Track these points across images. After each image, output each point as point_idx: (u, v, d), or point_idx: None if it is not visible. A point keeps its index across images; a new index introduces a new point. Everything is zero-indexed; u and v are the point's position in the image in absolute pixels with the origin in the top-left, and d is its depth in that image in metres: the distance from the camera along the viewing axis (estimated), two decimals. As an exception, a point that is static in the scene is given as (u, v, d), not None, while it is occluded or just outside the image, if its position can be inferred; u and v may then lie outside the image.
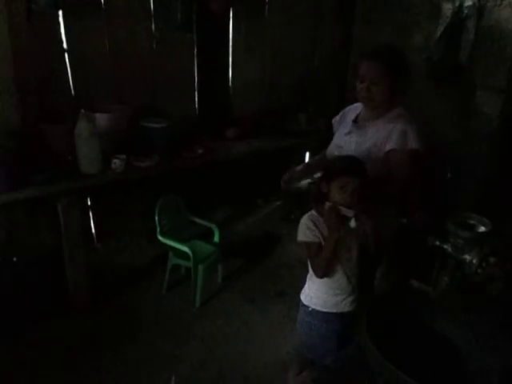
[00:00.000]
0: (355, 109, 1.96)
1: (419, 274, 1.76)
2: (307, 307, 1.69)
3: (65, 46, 2.53)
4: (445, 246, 1.51)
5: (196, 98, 3.21)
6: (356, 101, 1.95)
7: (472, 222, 1.47)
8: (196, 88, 3.19)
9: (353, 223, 1.57)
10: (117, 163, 2.44)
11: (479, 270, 1.38)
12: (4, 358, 2.18)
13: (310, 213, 1.65)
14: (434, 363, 1.14)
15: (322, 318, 1.66)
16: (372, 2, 3.48)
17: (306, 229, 1.61)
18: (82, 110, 2.33)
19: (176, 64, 3.01)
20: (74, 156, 2.37)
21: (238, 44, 3.24)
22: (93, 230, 3.06)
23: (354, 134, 1.87)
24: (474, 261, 1.39)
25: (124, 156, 2.48)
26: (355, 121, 1.91)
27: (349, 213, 1.55)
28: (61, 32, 2.49)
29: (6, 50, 2.25)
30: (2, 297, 2.45)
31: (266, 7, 3.30)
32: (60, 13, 2.43)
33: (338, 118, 2.07)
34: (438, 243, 1.53)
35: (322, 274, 1.61)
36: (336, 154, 1.87)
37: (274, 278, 2.93)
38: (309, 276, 1.71)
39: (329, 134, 3.35)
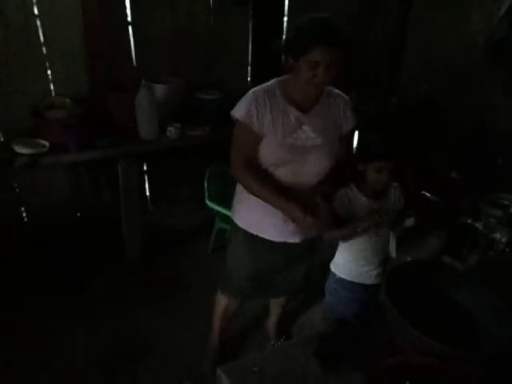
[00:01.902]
0: (271, 96, 1.60)
1: (451, 250, 1.83)
2: (334, 274, 1.79)
3: (129, 20, 2.71)
4: (476, 225, 1.56)
5: (249, 72, 3.33)
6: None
7: (505, 202, 1.51)
8: (249, 62, 3.31)
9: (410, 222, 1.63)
10: (172, 131, 2.63)
11: (507, 249, 1.44)
12: (63, 307, 2.45)
13: (348, 186, 1.71)
14: (448, 328, 1.22)
15: (346, 286, 1.75)
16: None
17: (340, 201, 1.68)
18: (143, 81, 2.51)
19: (231, 38, 3.12)
20: (134, 123, 2.56)
21: (293, 19, 3.28)
22: (147, 194, 3.31)
23: (306, 124, 1.62)
24: (504, 240, 1.45)
25: (179, 125, 2.65)
26: (302, 110, 1.62)
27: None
28: (126, 7, 2.67)
29: (78, 23, 2.47)
30: (65, 249, 2.75)
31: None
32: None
33: (251, 115, 1.58)
34: (470, 221, 1.59)
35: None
36: (289, 154, 1.62)
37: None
38: (339, 244, 1.79)
39: (380, 114, 3.41)
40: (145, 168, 3.19)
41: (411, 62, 3.70)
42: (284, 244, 1.77)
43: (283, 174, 1.64)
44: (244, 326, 2.42)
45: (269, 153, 1.60)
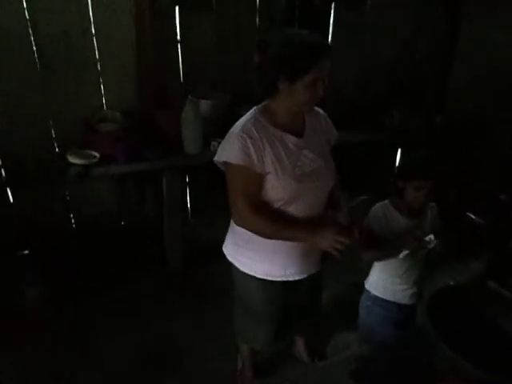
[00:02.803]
0: (260, 129, 1.45)
1: (496, 275, 1.77)
2: (369, 292, 1.78)
3: (178, 38, 2.82)
4: (525, 250, 1.50)
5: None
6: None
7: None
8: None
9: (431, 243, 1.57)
10: (215, 146, 2.68)
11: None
12: (104, 311, 2.55)
13: (384, 203, 1.71)
14: (492, 355, 1.18)
15: (380, 305, 1.74)
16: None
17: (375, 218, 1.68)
18: (189, 97, 2.60)
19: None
20: (179, 137, 2.64)
21: (338, 37, 3.30)
22: (188, 206, 3.39)
23: (305, 149, 1.51)
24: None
25: (221, 140, 2.71)
26: (296, 135, 1.51)
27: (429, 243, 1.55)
28: (176, 25, 2.78)
29: (131, 42, 2.60)
30: (110, 256, 2.86)
31: (369, 2, 3.32)
32: (177, 8, 2.72)
33: (250, 155, 1.42)
34: (518, 247, 1.53)
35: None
36: (301, 184, 1.49)
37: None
38: (374, 263, 1.78)
39: (424, 133, 3.35)
40: (187, 180, 3.27)
41: (459, 78, 3.62)
42: (304, 278, 1.68)
43: (299, 208, 1.51)
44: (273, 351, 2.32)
45: (282, 189, 1.46)
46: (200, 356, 2.29)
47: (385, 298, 1.74)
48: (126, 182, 3.02)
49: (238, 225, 1.52)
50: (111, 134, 2.51)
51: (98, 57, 2.62)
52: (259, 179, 1.44)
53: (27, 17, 2.37)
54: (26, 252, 2.79)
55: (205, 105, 2.73)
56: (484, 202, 3.06)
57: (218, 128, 2.81)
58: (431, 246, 1.53)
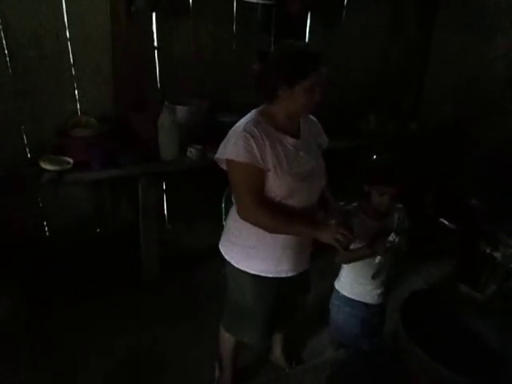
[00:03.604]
0: (262, 129, 1.54)
1: (467, 278, 1.81)
2: (338, 292, 1.85)
3: (155, 44, 2.81)
4: (495, 255, 1.55)
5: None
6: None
7: (524, 232, 1.50)
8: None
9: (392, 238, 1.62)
10: (192, 152, 2.68)
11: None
12: (78, 320, 2.48)
13: (353, 205, 1.78)
14: (465, 358, 1.20)
15: (347, 304, 1.81)
16: (455, 6, 3.41)
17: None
18: (166, 102, 2.58)
19: (253, 62, 3.18)
20: (155, 143, 2.62)
21: (313, 44, 3.35)
22: (165, 212, 3.36)
23: (300, 149, 1.62)
24: (522, 270, 1.43)
25: (199, 146, 2.71)
26: (293, 137, 1.61)
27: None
28: (153, 31, 2.77)
29: (107, 46, 2.58)
30: (83, 262, 2.80)
31: (344, 11, 3.38)
32: (153, 14, 2.71)
33: (253, 153, 1.51)
34: (488, 251, 1.57)
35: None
36: (299, 182, 1.60)
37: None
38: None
39: (397, 138, 3.43)
40: (164, 187, 3.25)
41: (433, 85, 3.72)
42: (295, 276, 1.76)
43: (296, 202, 1.61)
44: (250, 357, 2.34)
45: (280, 186, 1.56)
46: (178, 366, 2.26)
47: (353, 297, 1.80)
48: (101, 189, 2.97)
49: (244, 219, 1.58)
50: (85, 140, 2.47)
51: (72, 61, 2.58)
52: (262, 175, 1.53)
53: (-1, 20, 2.33)
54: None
55: (182, 111, 2.72)
56: (456, 208, 3.13)
57: (194, 134, 2.82)
58: (394, 244, 1.58)
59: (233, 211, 1.75)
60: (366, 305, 1.79)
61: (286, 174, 1.55)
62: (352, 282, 1.79)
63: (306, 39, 3.28)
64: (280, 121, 1.59)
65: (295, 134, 1.63)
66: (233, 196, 1.71)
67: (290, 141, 1.58)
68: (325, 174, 1.73)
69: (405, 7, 3.59)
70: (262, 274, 1.69)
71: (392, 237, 1.57)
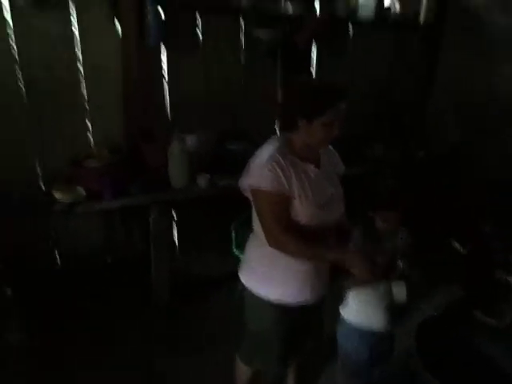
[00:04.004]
0: (287, 159, 1.58)
1: (482, 305, 1.77)
2: (343, 318, 1.85)
3: (165, 75, 2.89)
4: (509, 280, 1.52)
5: (277, 123, 3.45)
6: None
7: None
8: (276, 113, 3.42)
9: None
10: (202, 180, 2.71)
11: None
12: (89, 348, 2.48)
13: (359, 231, 1.78)
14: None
15: (355, 331, 1.80)
16: (460, 32, 3.47)
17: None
18: (176, 132, 2.63)
19: (260, 91, 3.27)
20: (165, 172, 2.66)
21: (320, 76, 3.41)
22: (175, 240, 3.37)
23: (321, 177, 1.66)
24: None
25: (208, 174, 2.74)
26: (315, 166, 1.66)
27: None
28: (162, 64, 2.86)
29: (119, 80, 2.66)
30: (94, 291, 2.81)
31: (349, 44, 3.47)
32: (163, 48, 2.80)
33: (281, 182, 1.54)
34: (502, 276, 1.55)
35: None
36: (321, 210, 1.63)
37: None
38: None
39: (404, 164, 3.44)
40: (174, 215, 3.27)
41: (439, 111, 3.75)
42: (314, 302, 1.75)
43: (316, 227, 1.62)
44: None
45: (303, 213, 1.58)
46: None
47: (360, 325, 1.78)
48: (112, 218, 3.00)
49: (273, 247, 1.59)
50: (97, 170, 2.51)
51: (85, 94, 2.66)
52: (289, 203, 1.56)
53: (16, 57, 2.42)
54: (9, 290, 2.72)
55: (191, 140, 2.76)
56: (469, 233, 3.10)
57: (204, 163, 2.86)
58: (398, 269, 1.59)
59: (252, 238, 1.78)
60: (373, 332, 1.77)
61: (310, 202, 1.58)
62: (359, 309, 1.78)
63: (313, 68, 3.35)
64: (300, 150, 1.63)
65: (316, 163, 1.66)
66: (254, 223, 1.73)
67: (312, 169, 1.62)
68: (343, 200, 1.76)
69: (410, 34, 3.66)
70: (283, 301, 1.69)
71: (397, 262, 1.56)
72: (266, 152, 1.61)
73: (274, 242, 1.58)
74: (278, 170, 1.52)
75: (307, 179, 1.60)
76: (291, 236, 1.54)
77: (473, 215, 3.20)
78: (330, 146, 1.80)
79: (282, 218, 1.55)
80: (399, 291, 1.63)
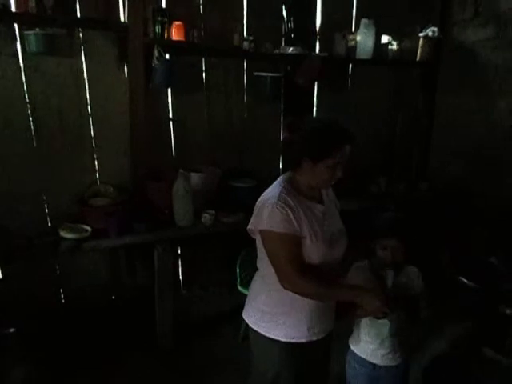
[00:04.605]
0: (294, 198, 1.60)
1: (492, 341, 1.74)
2: (349, 347, 1.87)
3: (170, 116, 2.97)
4: (515, 315, 1.51)
5: (280, 160, 3.50)
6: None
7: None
8: (281, 151, 3.49)
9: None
10: (206, 218, 2.73)
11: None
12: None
13: (364, 263, 1.82)
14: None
15: (357, 360, 1.82)
16: (456, 70, 3.57)
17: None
18: (180, 170, 2.68)
19: (263, 130, 3.34)
20: (170, 209, 2.69)
21: (322, 114, 3.49)
22: (180, 278, 3.36)
23: (326, 214, 1.68)
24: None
25: (213, 212, 2.77)
26: (319, 203, 1.69)
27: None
28: (168, 105, 2.95)
29: (126, 119, 2.74)
30: (98, 329, 2.79)
31: (349, 81, 3.57)
32: (169, 90, 2.90)
33: (292, 223, 1.55)
34: (508, 312, 1.53)
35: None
36: (329, 248, 1.64)
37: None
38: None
39: (407, 198, 3.46)
40: (179, 252, 3.27)
41: (440, 146, 3.81)
42: (323, 337, 1.73)
43: (324, 265, 1.62)
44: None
45: (313, 251, 1.58)
46: None
47: (361, 355, 1.81)
48: (117, 255, 3.01)
49: (288, 289, 1.56)
50: (103, 209, 2.55)
51: (93, 134, 2.73)
52: (300, 243, 1.56)
53: (27, 99, 2.51)
54: (12, 330, 2.71)
55: (196, 178, 2.81)
56: (476, 266, 3.08)
57: (209, 200, 2.89)
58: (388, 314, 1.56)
59: (257, 279, 1.77)
60: (373, 364, 1.78)
61: (319, 240, 1.58)
62: (359, 339, 1.81)
63: (314, 107, 3.44)
64: (304, 189, 1.65)
65: (319, 201, 1.69)
66: (260, 264, 1.72)
67: (318, 207, 1.64)
68: (346, 235, 1.77)
69: (408, 74, 3.77)
70: (294, 341, 1.66)
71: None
72: (272, 192, 1.61)
73: (289, 284, 1.55)
74: (288, 209, 1.53)
75: (314, 218, 1.61)
76: (308, 278, 1.52)
77: (481, 248, 3.19)
78: None
79: (295, 259, 1.54)
80: (382, 328, 1.66)
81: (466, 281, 2.96)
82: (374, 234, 1.78)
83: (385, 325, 1.69)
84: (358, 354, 1.82)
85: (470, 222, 3.44)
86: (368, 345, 1.77)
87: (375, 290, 1.56)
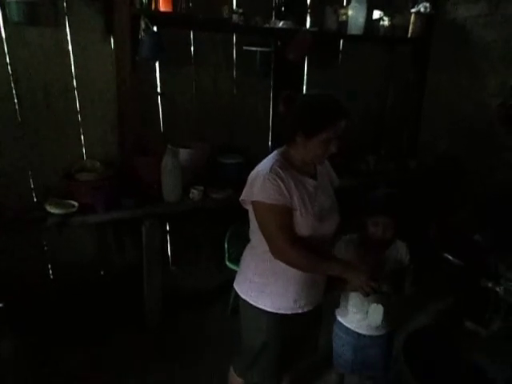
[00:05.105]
0: (286, 171, 1.60)
1: (473, 314, 1.79)
2: (336, 317, 1.95)
3: (158, 90, 2.92)
4: (497, 289, 1.54)
5: (270, 137, 3.48)
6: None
7: (525, 266, 1.50)
8: (270, 127, 3.47)
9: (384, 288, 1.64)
10: (195, 193, 2.72)
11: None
12: (82, 362, 2.46)
13: (353, 237, 1.87)
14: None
15: (341, 330, 1.91)
16: (448, 47, 3.56)
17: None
18: (169, 146, 2.65)
19: (253, 106, 3.30)
20: (158, 185, 2.67)
21: (312, 88, 3.46)
22: (169, 253, 3.37)
23: (319, 189, 1.68)
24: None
25: (201, 187, 2.76)
26: (312, 178, 1.68)
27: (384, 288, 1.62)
28: (156, 79, 2.89)
29: (112, 93, 2.68)
30: (87, 305, 2.80)
31: (340, 56, 3.53)
32: (157, 63, 2.84)
33: (283, 194, 1.56)
34: (490, 285, 1.57)
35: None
36: (320, 222, 1.64)
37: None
38: None
39: (397, 176, 3.48)
40: (167, 228, 3.27)
41: (429, 123, 3.82)
42: (310, 310, 1.76)
43: (314, 239, 1.64)
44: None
45: (303, 225, 1.59)
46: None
47: (346, 325, 1.89)
48: (104, 231, 3.00)
49: (279, 259, 1.59)
50: (90, 184, 2.52)
51: (79, 108, 2.68)
52: (291, 214, 1.57)
53: (9, 71, 2.44)
54: (0, 305, 2.71)
55: (184, 154, 2.78)
56: (460, 242, 3.13)
57: (198, 176, 2.88)
58: (378, 290, 1.58)
59: (249, 249, 1.79)
60: (357, 333, 1.85)
61: (309, 214, 1.59)
62: (345, 310, 1.88)
63: (304, 82, 3.40)
64: (298, 163, 1.65)
65: (313, 176, 1.69)
66: (252, 235, 1.72)
67: (310, 182, 1.65)
68: (338, 211, 1.78)
69: (400, 50, 3.74)
70: (280, 311, 1.69)
71: (381, 285, 1.58)
72: (265, 165, 1.62)
73: (279, 253, 1.58)
74: (279, 181, 1.54)
75: (306, 192, 1.62)
76: (298, 248, 1.54)
77: (465, 225, 3.23)
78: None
79: (286, 229, 1.56)
80: (375, 316, 1.68)
81: (450, 257, 3.02)
82: (366, 211, 1.80)
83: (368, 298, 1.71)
84: (345, 323, 1.88)
85: (458, 199, 3.49)
86: (355, 315, 1.83)
87: (362, 267, 1.58)
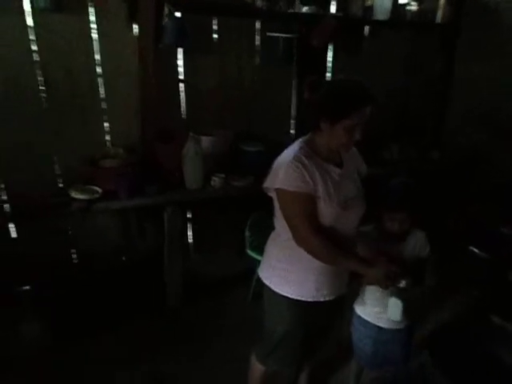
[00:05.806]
0: (311, 159, 1.58)
1: (500, 309, 1.74)
2: (355, 310, 1.92)
3: (181, 77, 2.92)
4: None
5: (292, 125, 3.45)
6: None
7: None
8: (292, 115, 3.43)
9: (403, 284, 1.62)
10: (216, 181, 2.73)
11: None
12: (103, 346, 2.52)
13: (370, 228, 1.84)
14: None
15: (361, 323, 1.88)
16: (478, 33, 3.42)
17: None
18: (191, 133, 2.65)
19: (275, 93, 3.27)
20: (180, 172, 2.69)
21: (336, 74, 3.40)
22: (190, 241, 3.39)
23: (344, 177, 1.66)
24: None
25: (223, 175, 2.76)
26: (337, 166, 1.65)
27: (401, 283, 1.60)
28: (178, 66, 2.89)
29: (136, 81, 2.69)
30: (109, 290, 2.85)
31: (365, 42, 3.44)
32: (180, 50, 2.83)
33: (307, 182, 1.55)
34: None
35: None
36: (345, 210, 1.62)
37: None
38: None
39: (419, 166, 3.41)
40: (189, 216, 3.29)
41: (455, 114, 3.71)
42: (332, 300, 1.75)
43: (339, 229, 1.63)
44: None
45: (327, 214, 1.58)
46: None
47: (366, 318, 1.86)
48: (127, 217, 3.04)
49: (301, 246, 1.58)
50: (113, 170, 2.55)
51: (102, 95, 2.70)
52: (315, 203, 1.56)
53: (36, 58, 2.47)
54: (27, 288, 2.78)
55: (206, 141, 2.78)
56: (486, 235, 3.06)
57: (219, 163, 2.87)
58: (403, 286, 1.58)
59: (273, 237, 1.79)
60: (377, 327, 1.82)
61: (333, 202, 1.57)
62: (365, 303, 1.85)
63: (328, 69, 3.34)
64: (323, 151, 1.63)
65: (338, 164, 1.66)
66: (276, 222, 1.72)
67: (335, 170, 1.62)
68: (365, 201, 1.74)
69: (426, 37, 3.63)
70: (302, 299, 1.69)
71: (402, 283, 1.57)
72: (289, 152, 1.61)
73: (301, 241, 1.58)
74: (303, 169, 1.53)
75: (330, 180, 1.60)
76: (320, 238, 1.54)
77: (492, 218, 3.15)
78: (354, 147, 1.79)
79: (309, 217, 1.55)
80: (394, 310, 1.65)
81: (476, 250, 2.95)
82: (383, 203, 1.76)
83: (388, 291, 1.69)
84: (363, 316, 1.86)
85: (481, 191, 3.39)
86: (373, 308, 1.81)
87: (379, 264, 1.57)
